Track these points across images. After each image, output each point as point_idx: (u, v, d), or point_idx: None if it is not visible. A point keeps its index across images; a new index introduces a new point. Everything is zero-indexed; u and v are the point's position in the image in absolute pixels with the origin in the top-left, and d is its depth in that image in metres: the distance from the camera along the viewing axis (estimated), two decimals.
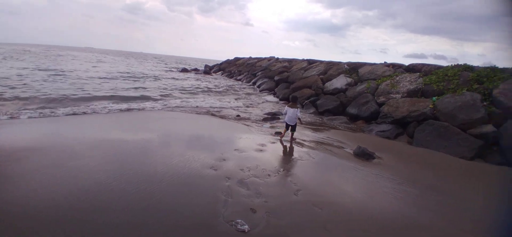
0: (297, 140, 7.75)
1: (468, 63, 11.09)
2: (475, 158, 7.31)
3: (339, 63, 18.00)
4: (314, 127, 10.02)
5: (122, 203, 3.63)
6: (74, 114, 9.22)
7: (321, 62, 19.97)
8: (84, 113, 9.41)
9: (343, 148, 7.48)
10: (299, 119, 7.72)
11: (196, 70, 36.69)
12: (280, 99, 16.43)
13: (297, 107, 7.72)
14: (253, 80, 23.14)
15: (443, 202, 4.69)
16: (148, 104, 10.79)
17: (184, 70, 35.09)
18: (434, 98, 9.44)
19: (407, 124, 9.32)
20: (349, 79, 14.33)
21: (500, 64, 9.95)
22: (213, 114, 10.61)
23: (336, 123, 10.99)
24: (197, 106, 11.68)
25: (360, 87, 12.93)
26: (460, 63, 11.59)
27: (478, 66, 10.73)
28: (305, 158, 6.32)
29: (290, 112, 7.53)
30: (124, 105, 10.24)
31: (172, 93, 14.71)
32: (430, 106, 9.09)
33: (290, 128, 7.58)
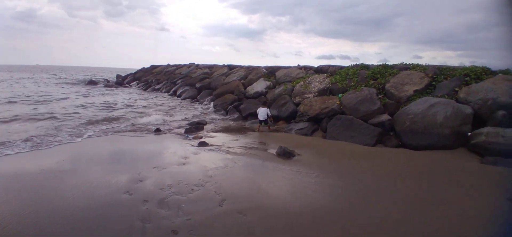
0: (222, 148, 7.68)
1: (367, 61, 12.91)
2: (376, 144, 8.42)
3: (258, 67, 18.67)
4: (239, 133, 10.10)
5: None
6: None
7: (241, 67, 20.40)
8: None
9: (266, 149, 7.72)
10: (269, 116, 10.28)
11: (106, 81, 32.92)
12: (204, 106, 16.11)
13: (266, 107, 10.42)
14: (173, 89, 22.10)
15: (352, 186, 5.23)
16: (52, 138, 8.57)
17: (92, 82, 31.00)
18: (340, 95, 10.59)
19: (321, 120, 10.21)
20: (268, 83, 14.99)
21: (393, 60, 11.81)
22: (127, 132, 9.67)
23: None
24: (108, 126, 10.35)
25: (278, 89, 13.63)
26: (361, 61, 13.36)
27: (372, 65, 12.51)
28: (230, 165, 6.28)
29: (262, 111, 10.14)
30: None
31: (77, 112, 12.72)
32: (337, 102, 10.17)
33: (263, 122, 10.10)
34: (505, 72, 8.57)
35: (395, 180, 5.64)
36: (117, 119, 11.56)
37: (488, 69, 9.12)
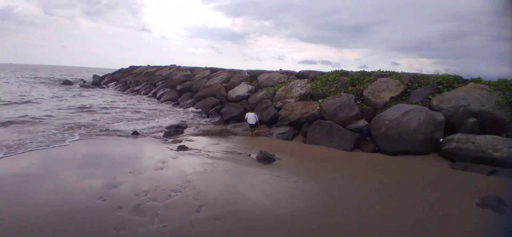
0: (202, 152, 7.58)
1: (347, 67, 13.20)
2: (354, 148, 8.62)
3: (240, 71, 18.65)
4: (220, 136, 10.02)
5: None
6: None
7: (224, 70, 20.30)
8: None
9: (247, 154, 7.69)
10: (257, 121, 10.60)
11: (82, 81, 31.69)
12: (185, 109, 15.84)
13: (254, 113, 10.75)
14: (153, 91, 21.61)
15: (329, 192, 5.30)
16: (27, 144, 7.70)
17: (67, 82, 29.73)
18: (320, 100, 10.77)
19: (301, 124, 10.33)
20: (250, 87, 14.99)
21: (372, 66, 12.13)
22: (102, 136, 9.32)
23: (241, 130, 11.27)
24: (83, 130, 9.82)
25: (260, 93, 13.67)
26: (342, 67, 13.67)
27: (352, 71, 12.80)
28: (210, 170, 6.20)
29: (250, 116, 10.47)
30: None
31: (50, 115, 11.87)
32: (317, 108, 10.33)
33: (253, 126, 10.41)
34: (476, 80, 9.04)
35: (368, 184, 5.77)
36: (92, 122, 11.09)
37: (460, 77, 9.57)
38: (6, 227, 3.52)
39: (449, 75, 9.88)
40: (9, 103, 14.46)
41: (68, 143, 7.97)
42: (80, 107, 14.34)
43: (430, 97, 9.04)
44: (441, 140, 7.67)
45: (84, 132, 9.36)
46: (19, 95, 17.90)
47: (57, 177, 5.32)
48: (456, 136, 7.42)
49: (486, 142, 6.91)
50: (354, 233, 3.83)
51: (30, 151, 7.01)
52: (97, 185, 4.91)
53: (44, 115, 11.63)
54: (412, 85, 9.98)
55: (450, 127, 8.00)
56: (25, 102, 15.51)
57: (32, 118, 10.87)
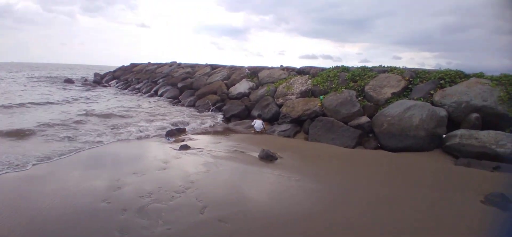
0: (204, 151, 7.59)
1: (349, 61, 13.20)
2: (356, 145, 8.61)
3: (241, 67, 18.61)
4: (222, 135, 10.03)
5: None
6: None
7: (224, 67, 20.26)
8: None
9: (249, 152, 7.68)
10: (264, 127, 10.57)
11: (84, 80, 31.69)
12: (186, 107, 15.84)
13: (261, 120, 10.73)
14: (154, 89, 21.59)
15: (330, 190, 5.31)
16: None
17: (68, 81, 29.65)
18: (321, 97, 10.74)
19: (303, 121, 10.32)
20: (251, 84, 14.99)
21: (373, 60, 12.03)
22: (105, 135, 9.34)
23: (243, 127, 11.28)
24: (81, 131, 9.44)
25: (261, 90, 13.65)
26: (343, 61, 13.62)
27: (353, 67, 12.73)
28: (212, 169, 6.21)
29: (258, 123, 10.51)
30: None
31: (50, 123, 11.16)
32: (319, 104, 10.31)
33: (258, 131, 10.49)
34: (479, 75, 8.98)
35: (372, 182, 5.77)
36: (100, 126, 10.94)
37: (462, 72, 9.52)
38: (13, 230, 3.55)
39: (451, 71, 9.82)
40: (9, 106, 13.61)
41: (66, 147, 7.96)
42: (84, 111, 12.87)
43: (432, 92, 9.00)
44: (444, 136, 7.65)
45: (81, 133, 9.26)
46: (20, 97, 17.60)
47: (61, 179, 5.36)
48: (459, 132, 7.41)
49: (489, 137, 6.89)
50: (357, 234, 3.84)
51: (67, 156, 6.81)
52: (101, 186, 4.94)
53: (44, 123, 10.87)
54: (414, 81, 9.94)
55: (452, 122, 7.99)
56: (25, 104, 14.14)
57: (45, 124, 9.82)
